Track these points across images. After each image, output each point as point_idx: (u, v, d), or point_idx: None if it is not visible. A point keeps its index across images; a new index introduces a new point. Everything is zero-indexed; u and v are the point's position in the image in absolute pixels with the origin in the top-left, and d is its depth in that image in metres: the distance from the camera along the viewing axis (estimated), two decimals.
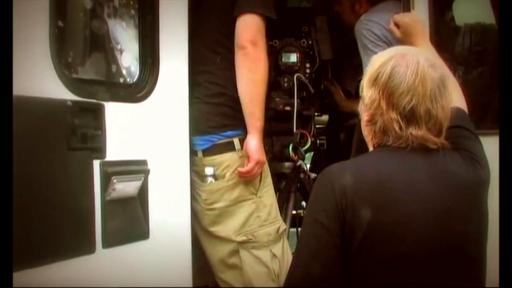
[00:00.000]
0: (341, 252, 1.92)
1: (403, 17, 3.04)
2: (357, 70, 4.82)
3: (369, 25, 3.46)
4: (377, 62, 2.09)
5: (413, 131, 1.98)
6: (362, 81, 2.13)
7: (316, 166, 4.67)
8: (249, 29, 2.91)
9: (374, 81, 2.05)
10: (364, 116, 2.12)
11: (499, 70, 3.39)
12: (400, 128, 1.98)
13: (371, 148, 2.15)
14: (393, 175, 1.99)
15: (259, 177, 3.03)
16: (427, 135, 1.99)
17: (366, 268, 1.91)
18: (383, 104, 2.00)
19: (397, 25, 3.04)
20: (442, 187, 1.99)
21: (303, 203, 3.78)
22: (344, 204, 1.91)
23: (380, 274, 1.92)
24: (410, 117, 1.98)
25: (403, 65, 2.01)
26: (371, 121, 2.06)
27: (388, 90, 2.00)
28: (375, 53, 3.30)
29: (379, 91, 2.02)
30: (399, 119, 1.98)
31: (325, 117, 4.59)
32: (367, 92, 2.08)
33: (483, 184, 2.10)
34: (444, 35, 3.62)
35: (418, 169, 2.01)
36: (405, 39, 3.00)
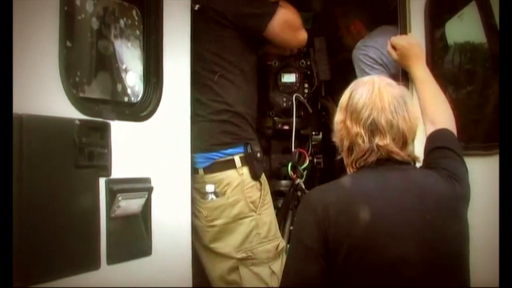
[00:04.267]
0: (325, 270, 1.98)
1: (400, 40, 3.07)
2: None
3: (365, 50, 3.51)
4: (342, 97, 2.24)
5: (379, 141, 2.08)
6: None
7: (311, 184, 4.70)
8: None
9: (340, 107, 2.20)
10: (339, 145, 2.23)
11: (488, 88, 3.46)
12: (363, 141, 2.09)
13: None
14: (372, 193, 2.08)
15: (259, 194, 3.07)
16: (392, 146, 2.10)
17: (351, 282, 1.97)
18: (348, 123, 2.13)
19: (394, 47, 3.08)
20: (419, 201, 2.07)
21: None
22: (327, 225, 1.98)
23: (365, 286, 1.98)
24: (373, 129, 2.09)
25: (360, 86, 2.18)
26: (340, 142, 2.18)
27: (350, 109, 2.14)
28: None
29: (344, 112, 2.16)
30: (362, 133, 2.09)
31: (320, 136, 4.62)
32: (336, 119, 2.22)
33: (460, 198, 2.18)
34: (438, 55, 3.67)
35: (395, 185, 2.10)
36: (401, 61, 3.04)
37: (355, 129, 2.10)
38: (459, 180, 2.20)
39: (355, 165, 2.15)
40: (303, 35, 3.32)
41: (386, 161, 2.11)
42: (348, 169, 2.23)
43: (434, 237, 2.04)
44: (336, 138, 2.23)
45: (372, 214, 2.00)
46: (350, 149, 2.14)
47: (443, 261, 2.05)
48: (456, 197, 2.16)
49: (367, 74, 3.44)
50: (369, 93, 2.12)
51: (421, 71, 2.92)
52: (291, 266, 2.10)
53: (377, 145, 2.08)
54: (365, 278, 1.98)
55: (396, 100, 2.12)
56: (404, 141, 2.12)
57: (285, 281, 2.10)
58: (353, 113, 2.12)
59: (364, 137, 2.09)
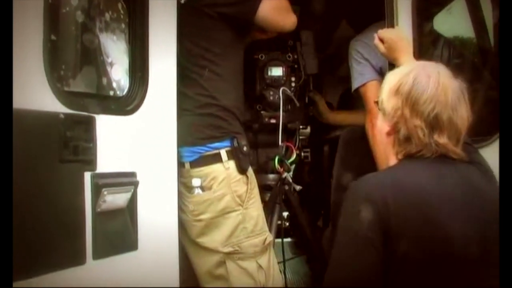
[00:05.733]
0: (383, 261, 1.93)
1: (387, 33, 3.08)
2: (338, 83, 4.89)
3: (355, 45, 3.56)
4: (396, 75, 2.19)
5: (438, 138, 2.06)
6: (380, 96, 2.22)
7: (299, 178, 4.71)
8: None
9: (397, 91, 2.14)
10: (385, 127, 2.19)
11: (476, 82, 3.46)
12: (424, 134, 2.06)
13: (391, 160, 2.21)
14: (427, 186, 2.04)
15: (246, 188, 3.06)
16: (449, 144, 2.07)
17: (408, 277, 1.94)
18: (407, 112, 2.09)
19: (381, 40, 3.08)
20: (472, 198, 2.06)
21: (285, 213, 3.81)
22: (387, 216, 1.93)
23: (422, 281, 1.95)
24: (434, 124, 2.06)
25: (424, 75, 2.12)
26: (394, 129, 2.14)
27: (412, 98, 2.09)
28: (356, 69, 3.42)
29: (402, 100, 2.11)
30: (423, 126, 2.06)
31: (307, 130, 4.64)
32: (389, 102, 2.17)
33: (498, 195, 2.16)
34: (426, 49, 3.68)
35: (448, 180, 2.08)
36: (389, 54, 3.04)
37: (415, 121, 2.07)
38: (492, 174, 2.24)
39: (406, 155, 2.14)
40: (294, 18, 3.26)
41: (439, 155, 2.10)
42: (390, 157, 2.22)
43: (485, 233, 2.04)
44: (383, 122, 2.20)
45: (429, 207, 1.99)
46: (408, 140, 2.11)
47: (492, 255, 2.04)
48: (497, 195, 2.15)
49: (354, 67, 3.47)
50: (435, 85, 2.08)
51: (408, 63, 2.92)
52: (347, 258, 1.99)
53: (436, 142, 2.06)
54: (423, 272, 1.95)
55: (457, 96, 2.09)
56: (458, 138, 2.11)
57: (340, 274, 2.00)
58: (415, 104, 2.08)
59: (425, 131, 2.06)
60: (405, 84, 2.13)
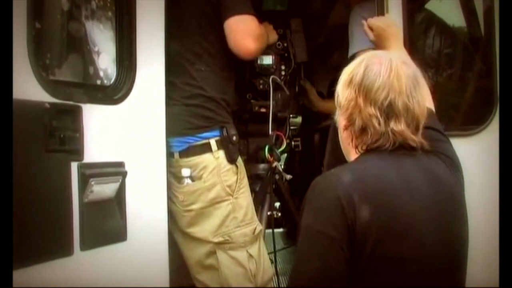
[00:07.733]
0: (349, 261, 1.87)
1: (376, 21, 3.05)
2: (329, 72, 4.87)
3: (359, 10, 3.47)
4: (349, 68, 2.12)
5: (394, 126, 2.00)
6: (336, 89, 2.15)
7: (290, 167, 4.70)
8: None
9: (350, 82, 2.08)
10: (342, 121, 2.13)
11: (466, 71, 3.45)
12: (379, 123, 2.00)
13: (352, 155, 2.15)
14: (393, 181, 1.98)
15: (235, 178, 3.05)
16: (407, 132, 2.01)
17: (377, 275, 1.89)
18: (361, 102, 2.02)
19: (371, 28, 3.05)
20: (436, 191, 2.02)
21: (277, 204, 3.79)
22: (353, 214, 1.86)
23: (390, 279, 1.90)
24: (389, 112, 2.00)
25: (376, 63, 2.05)
26: (349, 121, 2.07)
27: (364, 87, 2.02)
28: (355, 35, 3.33)
29: (355, 90, 2.04)
30: (378, 115, 2.00)
31: (299, 119, 4.62)
32: (343, 94, 2.10)
33: (463, 187, 2.14)
34: (416, 38, 3.66)
35: (412, 173, 2.02)
36: (378, 42, 3.02)
37: (370, 110, 2.00)
38: (459, 167, 2.19)
39: (365, 147, 2.07)
40: (253, 47, 3.05)
41: (398, 146, 2.03)
42: (349, 152, 2.16)
43: (450, 227, 2.01)
44: (340, 116, 2.14)
45: (396, 204, 1.93)
46: (364, 130, 2.04)
47: (456, 249, 2.03)
48: (460, 187, 2.14)
49: (353, 33, 3.39)
50: (387, 72, 2.01)
51: (398, 52, 2.89)
52: (310, 259, 1.91)
53: (392, 130, 2.00)
54: (391, 269, 1.90)
55: (411, 82, 2.03)
56: (416, 126, 2.04)
57: (304, 277, 1.91)
58: (368, 93, 2.01)
59: (380, 119, 2.00)
60: (356, 74, 2.06)
